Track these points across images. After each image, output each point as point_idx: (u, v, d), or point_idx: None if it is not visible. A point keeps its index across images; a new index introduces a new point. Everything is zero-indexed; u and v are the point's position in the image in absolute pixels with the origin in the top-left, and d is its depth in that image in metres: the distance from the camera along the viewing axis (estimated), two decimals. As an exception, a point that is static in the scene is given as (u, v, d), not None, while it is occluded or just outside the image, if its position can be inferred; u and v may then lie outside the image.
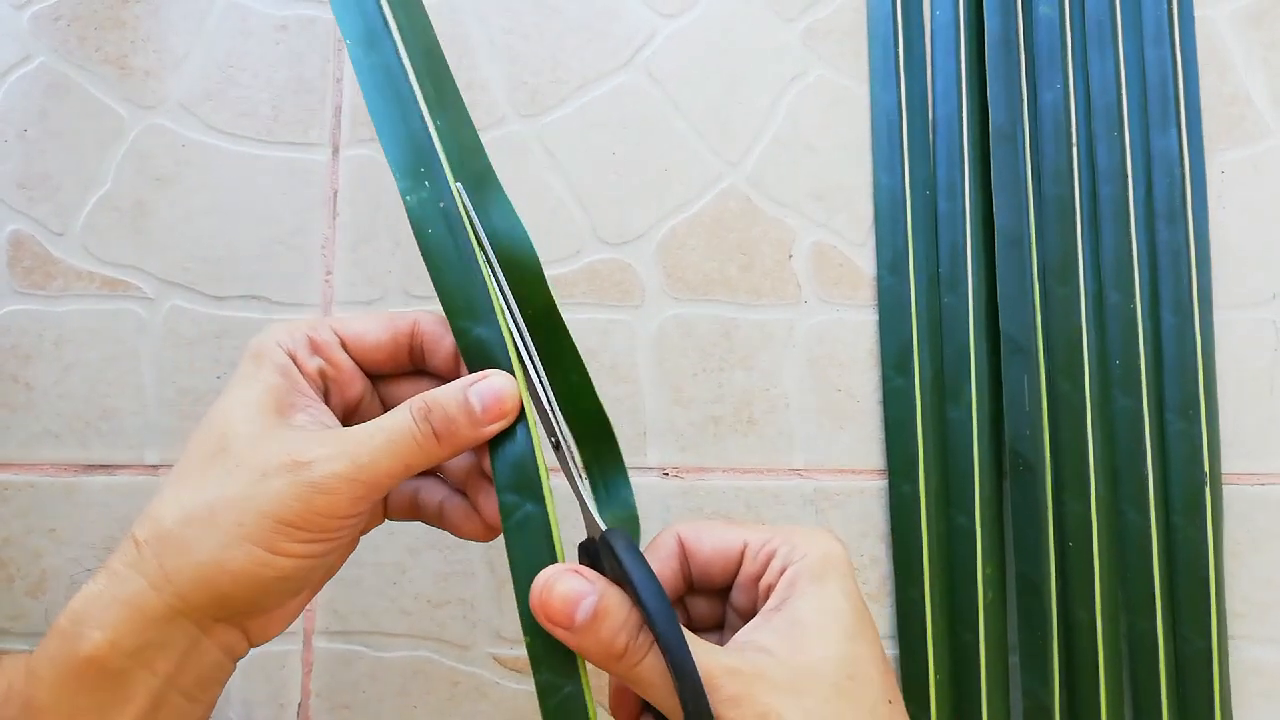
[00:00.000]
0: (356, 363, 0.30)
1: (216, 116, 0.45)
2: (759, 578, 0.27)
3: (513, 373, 0.28)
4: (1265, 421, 0.43)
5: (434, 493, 0.32)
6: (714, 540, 0.28)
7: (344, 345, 0.30)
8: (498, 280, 0.29)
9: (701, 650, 0.24)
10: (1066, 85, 0.44)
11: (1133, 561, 0.41)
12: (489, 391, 0.27)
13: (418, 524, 0.43)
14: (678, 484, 0.43)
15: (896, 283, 0.44)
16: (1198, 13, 0.46)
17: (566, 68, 0.46)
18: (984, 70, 0.44)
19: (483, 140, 0.46)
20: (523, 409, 0.28)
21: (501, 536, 0.28)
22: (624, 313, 0.44)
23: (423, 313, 0.30)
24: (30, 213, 0.44)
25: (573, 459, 0.29)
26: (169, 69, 0.46)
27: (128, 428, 0.43)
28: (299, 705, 0.42)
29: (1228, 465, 0.43)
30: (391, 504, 0.32)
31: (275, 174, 0.45)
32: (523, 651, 0.42)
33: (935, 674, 0.41)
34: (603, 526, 0.27)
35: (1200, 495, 0.42)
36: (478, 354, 0.28)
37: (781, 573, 0.26)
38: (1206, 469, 0.42)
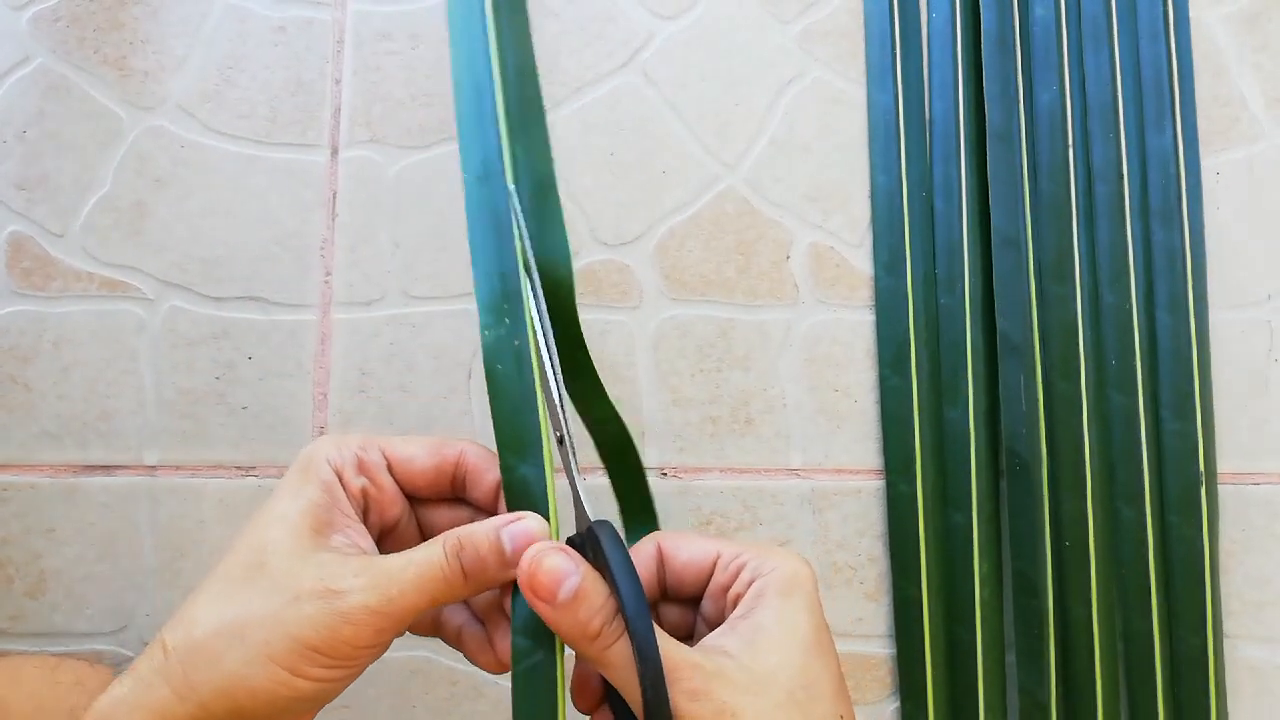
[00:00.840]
0: (399, 484, 0.30)
1: (215, 118, 0.45)
2: (728, 588, 0.28)
3: (547, 517, 0.28)
4: (1260, 421, 0.44)
5: (456, 616, 0.32)
6: (690, 550, 0.29)
7: (389, 467, 0.30)
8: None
9: (667, 643, 0.25)
10: (1062, 86, 0.45)
11: (1129, 560, 0.42)
12: (522, 534, 0.28)
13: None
14: (675, 484, 0.43)
15: (893, 283, 0.44)
16: (1192, 14, 0.46)
17: (564, 69, 0.46)
18: (980, 71, 0.45)
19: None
20: None
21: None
22: (622, 314, 0.44)
23: (470, 444, 0.31)
24: (29, 214, 0.45)
25: (573, 454, 0.29)
26: (168, 70, 0.46)
27: (127, 428, 0.43)
28: (298, 705, 0.42)
29: (1223, 464, 0.43)
30: (414, 622, 0.33)
31: (274, 175, 0.45)
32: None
33: (932, 671, 0.41)
34: (591, 518, 0.27)
35: (1196, 494, 0.42)
36: (519, 492, 0.29)
37: (750, 584, 0.27)
38: (1202, 468, 0.42)
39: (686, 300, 0.45)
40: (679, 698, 0.25)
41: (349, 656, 0.26)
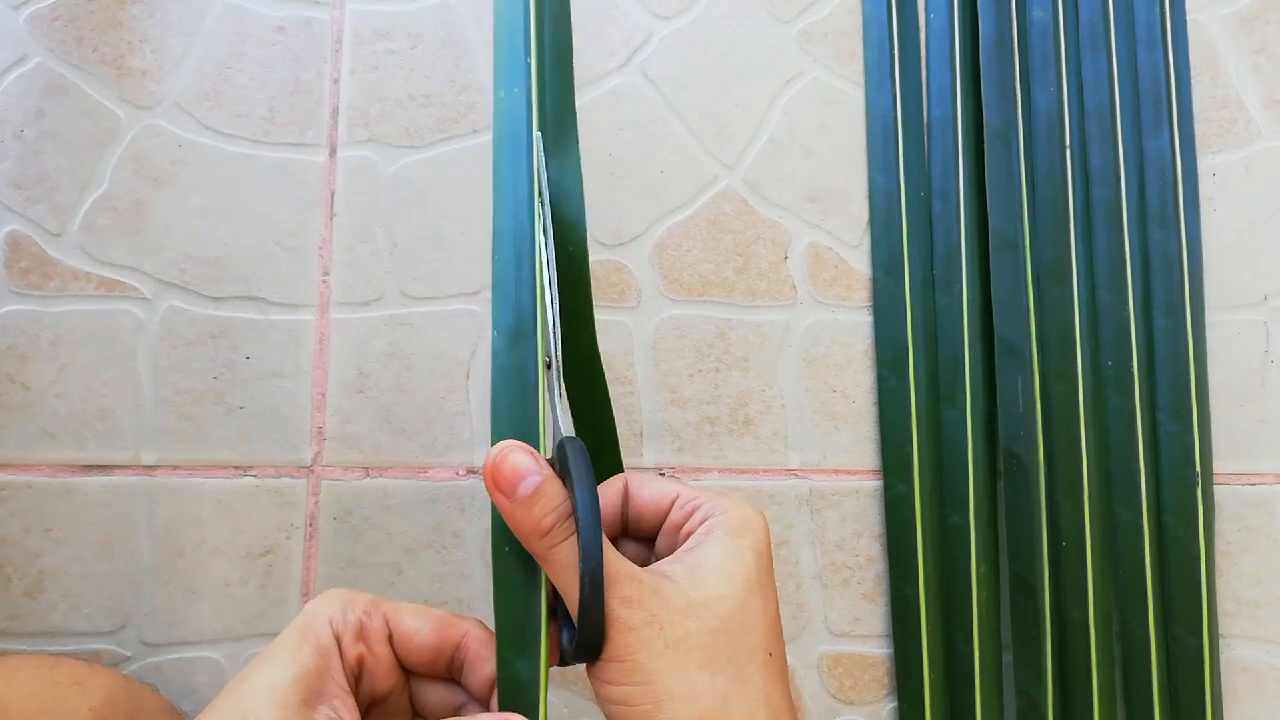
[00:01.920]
0: (397, 656, 0.30)
1: (213, 117, 0.45)
2: (681, 525, 0.29)
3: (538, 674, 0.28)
4: (1256, 422, 0.44)
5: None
6: (651, 488, 0.30)
7: (390, 637, 0.30)
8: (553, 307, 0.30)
9: (611, 554, 0.26)
10: (1060, 88, 0.45)
11: (1125, 560, 0.42)
12: None
13: (414, 525, 0.43)
14: (674, 484, 0.43)
15: (891, 284, 0.44)
16: (1190, 17, 0.46)
17: (563, 69, 0.46)
18: (978, 73, 0.45)
19: (480, 142, 0.46)
20: None
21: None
22: (621, 314, 0.44)
23: (476, 625, 0.30)
24: (27, 213, 0.44)
25: (559, 379, 0.30)
26: (166, 69, 0.46)
27: (124, 428, 0.43)
28: (296, 705, 0.42)
29: (1219, 465, 0.43)
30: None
31: (272, 175, 0.45)
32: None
33: (930, 672, 0.41)
34: (564, 434, 0.28)
35: (1192, 495, 0.42)
36: (513, 689, 0.28)
37: (702, 522, 0.28)
38: (1198, 469, 0.42)
39: (685, 300, 0.45)
40: (613, 601, 0.26)
41: None
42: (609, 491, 0.30)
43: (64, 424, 0.43)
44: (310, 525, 0.43)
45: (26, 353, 0.44)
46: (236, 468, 0.43)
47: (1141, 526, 0.42)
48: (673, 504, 0.29)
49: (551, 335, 0.29)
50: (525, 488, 0.26)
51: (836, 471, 0.44)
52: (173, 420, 0.43)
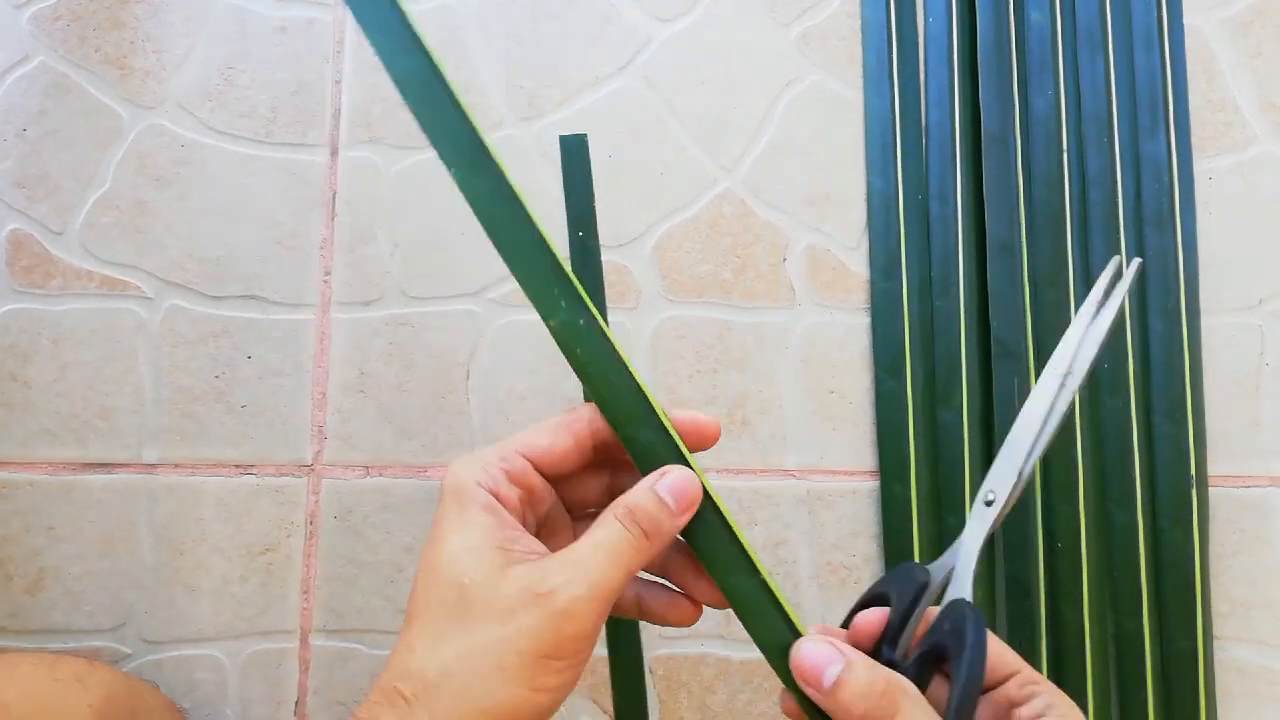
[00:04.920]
0: (546, 476, 0.31)
1: (216, 117, 0.46)
2: (1015, 704, 0.29)
3: (689, 465, 0.29)
4: (1250, 425, 0.44)
5: (628, 590, 0.33)
6: (998, 649, 0.30)
7: (534, 465, 0.30)
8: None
9: None
10: (1057, 91, 0.45)
11: (1120, 562, 0.42)
12: (676, 486, 0.29)
13: (414, 524, 0.43)
14: (672, 484, 0.44)
15: (889, 286, 0.44)
16: (1187, 21, 0.46)
17: (564, 72, 0.46)
18: (976, 76, 0.45)
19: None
20: (705, 493, 0.29)
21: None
22: (620, 314, 0.45)
23: (587, 408, 0.31)
24: (29, 212, 0.45)
25: (999, 522, 0.30)
26: (168, 69, 0.46)
27: (126, 426, 0.43)
28: (296, 702, 0.42)
29: (1213, 468, 0.43)
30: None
31: (274, 175, 0.45)
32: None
33: (925, 672, 0.41)
34: (969, 596, 0.29)
35: (1186, 497, 0.42)
36: (648, 455, 0.30)
37: (1036, 716, 0.29)
38: (1193, 471, 0.42)
39: (684, 302, 0.45)
40: None
41: (577, 652, 0.27)
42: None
43: (65, 422, 0.43)
44: (311, 524, 0.43)
45: (28, 351, 0.44)
46: (237, 466, 0.43)
47: (1136, 528, 0.42)
48: (1011, 677, 0.30)
49: (1029, 460, 0.29)
50: (828, 679, 0.27)
51: (834, 472, 0.44)
52: (174, 419, 0.44)
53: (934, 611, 0.29)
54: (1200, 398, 0.43)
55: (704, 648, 0.43)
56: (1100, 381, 0.43)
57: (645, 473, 0.29)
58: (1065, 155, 0.44)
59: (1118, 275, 0.30)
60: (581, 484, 0.32)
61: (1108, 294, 0.30)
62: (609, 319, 0.44)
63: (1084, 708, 0.40)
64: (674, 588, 0.32)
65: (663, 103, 0.46)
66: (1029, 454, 0.30)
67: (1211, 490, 0.43)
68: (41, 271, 0.44)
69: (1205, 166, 0.46)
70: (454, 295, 0.45)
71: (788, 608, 0.29)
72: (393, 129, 0.45)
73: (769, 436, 0.44)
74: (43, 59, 0.46)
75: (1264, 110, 0.46)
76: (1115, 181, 0.44)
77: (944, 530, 0.42)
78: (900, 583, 0.30)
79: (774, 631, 0.29)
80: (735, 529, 0.29)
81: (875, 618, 0.31)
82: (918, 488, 0.42)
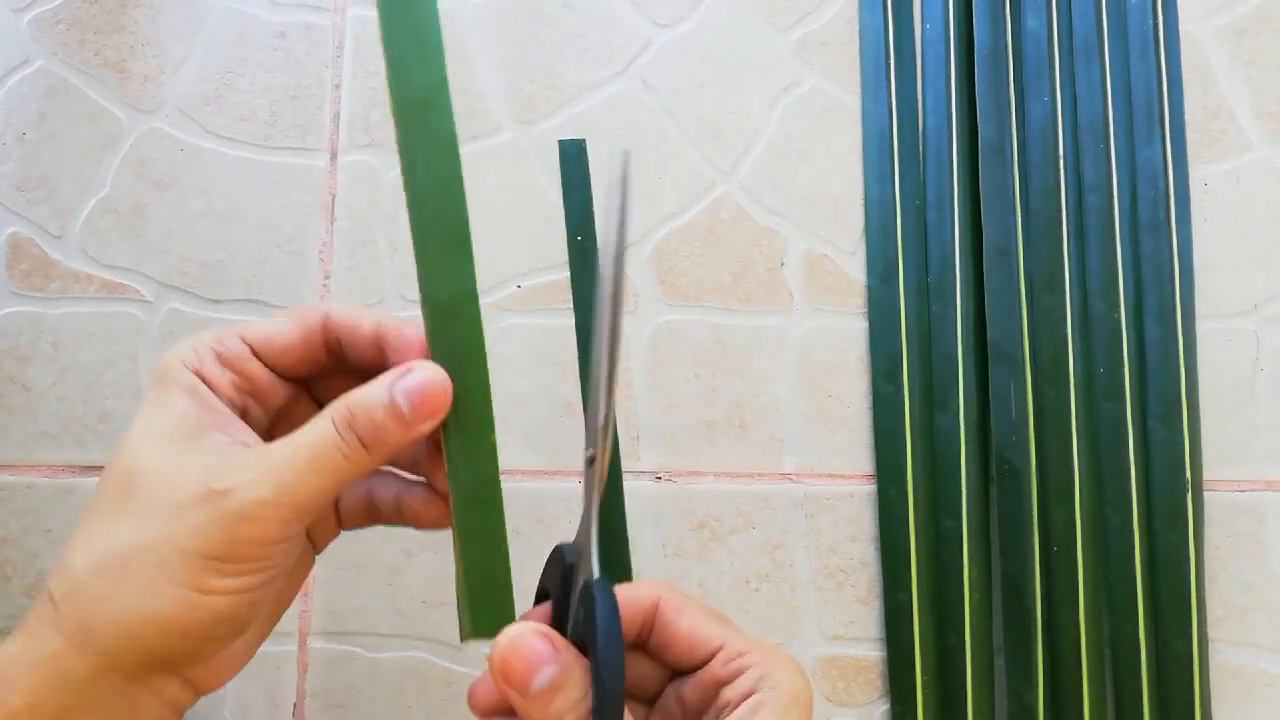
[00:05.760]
0: (274, 370, 0.28)
1: (215, 121, 0.46)
2: (722, 684, 0.26)
3: (481, 348, 0.25)
4: (1246, 430, 0.44)
5: (388, 488, 0.29)
6: (692, 623, 0.26)
7: (255, 354, 0.27)
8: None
9: None
10: (1054, 98, 0.45)
11: (1116, 566, 0.42)
12: (416, 389, 0.25)
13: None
14: (670, 488, 0.44)
15: (886, 291, 0.44)
16: (1182, 28, 0.47)
17: (563, 76, 0.46)
18: (973, 83, 0.45)
19: (479, 147, 0.46)
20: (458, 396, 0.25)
21: None
22: (618, 318, 0.45)
23: (334, 305, 0.28)
24: (29, 215, 0.45)
25: (601, 480, 0.26)
26: (168, 73, 0.46)
27: (125, 429, 0.43)
28: (294, 706, 0.42)
29: (1209, 472, 0.44)
30: (345, 512, 0.30)
31: (273, 179, 0.45)
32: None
33: (922, 674, 0.41)
34: (596, 572, 0.25)
35: (1182, 501, 0.42)
36: (437, 319, 0.25)
37: (746, 695, 0.25)
38: (1188, 475, 0.43)
39: (682, 306, 0.45)
40: None
41: (256, 558, 0.24)
42: (633, 602, 0.27)
43: (64, 425, 0.43)
44: (309, 527, 0.43)
45: (27, 354, 0.44)
46: (236, 469, 0.43)
47: (1132, 532, 0.42)
48: (715, 654, 0.26)
49: (604, 423, 0.25)
50: (539, 683, 0.23)
51: (831, 476, 0.44)
52: (173, 422, 0.44)
53: None
54: (1195, 402, 0.43)
55: (702, 651, 0.43)
56: (1096, 386, 0.43)
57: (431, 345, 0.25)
58: (1062, 161, 0.45)
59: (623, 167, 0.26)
60: (334, 389, 0.27)
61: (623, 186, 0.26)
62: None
63: (1079, 709, 0.41)
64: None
65: (661, 107, 0.46)
66: (606, 394, 0.25)
67: (1207, 494, 0.43)
68: (41, 274, 0.44)
69: (1201, 173, 0.46)
70: (453, 299, 0.45)
71: (510, 584, 0.25)
72: (392, 133, 0.45)
73: (766, 440, 0.44)
74: (43, 63, 0.46)
75: (1259, 118, 0.46)
76: (1111, 187, 0.45)
77: (941, 533, 0.42)
78: (551, 570, 0.27)
79: (488, 597, 0.25)
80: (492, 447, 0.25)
81: (538, 615, 0.27)
82: (914, 491, 0.43)
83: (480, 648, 0.43)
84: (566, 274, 0.45)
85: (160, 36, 0.46)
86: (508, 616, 0.26)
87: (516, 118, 0.46)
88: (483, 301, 0.45)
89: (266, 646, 0.42)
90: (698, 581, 0.43)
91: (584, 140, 0.46)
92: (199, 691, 0.26)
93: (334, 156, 0.46)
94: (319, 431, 0.25)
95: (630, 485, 0.44)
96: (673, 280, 0.45)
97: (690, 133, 0.46)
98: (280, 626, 0.43)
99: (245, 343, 0.27)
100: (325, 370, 0.29)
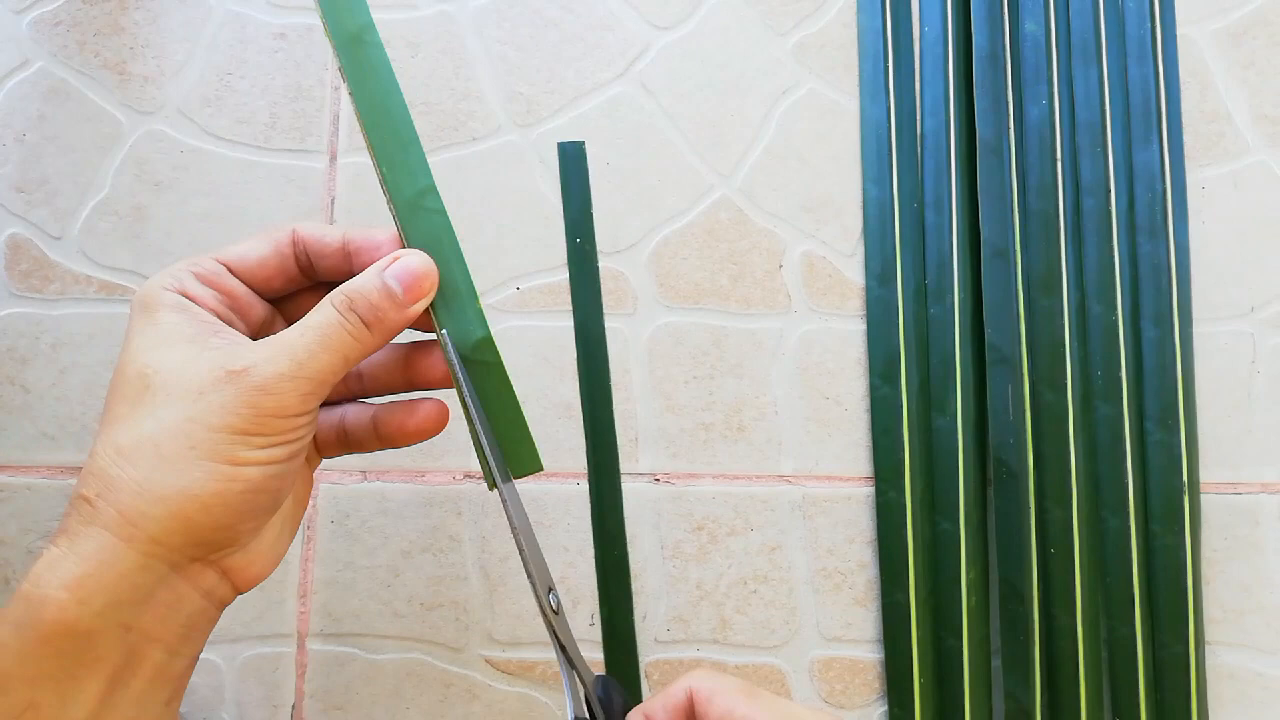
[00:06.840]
0: (250, 288, 0.29)
1: (215, 123, 0.46)
2: None
3: (447, 239, 0.29)
4: (1242, 432, 0.44)
5: (360, 415, 0.31)
6: (725, 707, 0.27)
7: (231, 271, 0.29)
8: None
9: None
10: (1052, 101, 0.45)
11: (1113, 567, 0.42)
12: (405, 272, 0.27)
13: (411, 528, 0.43)
14: (668, 489, 0.44)
15: (884, 293, 0.44)
16: (1180, 31, 0.47)
17: (562, 79, 0.47)
18: (971, 85, 0.45)
19: (479, 149, 0.46)
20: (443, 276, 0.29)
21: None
22: (617, 321, 0.45)
23: (301, 221, 0.30)
24: (28, 216, 0.45)
25: (570, 663, 0.30)
26: (168, 75, 0.46)
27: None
28: (293, 706, 0.42)
29: (1206, 474, 0.44)
30: (321, 442, 0.32)
31: (273, 180, 0.45)
32: (515, 654, 0.42)
33: (920, 676, 0.42)
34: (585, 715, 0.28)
35: (1179, 503, 0.42)
36: (406, 218, 0.29)
37: None
38: (1185, 478, 0.43)
39: (681, 308, 0.45)
40: None
41: (280, 430, 0.25)
42: (670, 704, 0.28)
43: (64, 426, 0.43)
44: (308, 528, 0.43)
45: (27, 355, 0.44)
46: (235, 470, 0.43)
47: (1129, 534, 0.42)
48: None
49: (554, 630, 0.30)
50: None
51: (829, 478, 0.44)
52: (172, 423, 0.44)
53: None
54: (1193, 404, 0.44)
55: (699, 652, 0.43)
56: (1094, 388, 0.43)
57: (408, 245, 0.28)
58: (1059, 164, 0.45)
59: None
60: (304, 304, 0.30)
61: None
62: (607, 325, 0.45)
63: (1076, 711, 0.41)
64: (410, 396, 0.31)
65: (660, 109, 0.46)
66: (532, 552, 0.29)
67: (1204, 496, 0.44)
68: (40, 276, 0.44)
69: (1198, 176, 0.46)
70: (452, 301, 0.45)
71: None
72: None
73: (765, 442, 0.44)
74: (42, 64, 0.46)
75: (1256, 121, 0.46)
76: (1109, 190, 0.45)
77: (938, 535, 0.43)
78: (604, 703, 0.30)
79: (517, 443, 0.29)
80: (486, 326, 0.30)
81: None
82: (912, 493, 0.43)
83: (480, 648, 0.43)
84: (565, 276, 0.45)
85: (160, 38, 0.46)
86: (533, 455, 0.30)
87: (516, 120, 0.46)
88: (483, 302, 0.45)
89: (265, 647, 0.42)
90: (696, 583, 0.43)
91: (583, 143, 0.46)
92: (235, 588, 0.27)
93: (333, 158, 0.46)
94: (324, 314, 0.26)
95: (628, 487, 0.44)
96: (671, 282, 0.45)
97: (689, 135, 0.46)
98: (279, 627, 0.43)
99: (220, 262, 0.29)
100: (299, 285, 0.30)
